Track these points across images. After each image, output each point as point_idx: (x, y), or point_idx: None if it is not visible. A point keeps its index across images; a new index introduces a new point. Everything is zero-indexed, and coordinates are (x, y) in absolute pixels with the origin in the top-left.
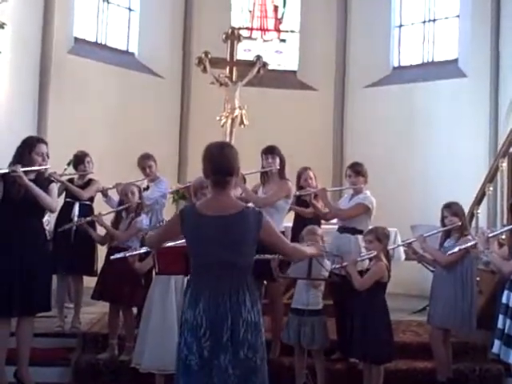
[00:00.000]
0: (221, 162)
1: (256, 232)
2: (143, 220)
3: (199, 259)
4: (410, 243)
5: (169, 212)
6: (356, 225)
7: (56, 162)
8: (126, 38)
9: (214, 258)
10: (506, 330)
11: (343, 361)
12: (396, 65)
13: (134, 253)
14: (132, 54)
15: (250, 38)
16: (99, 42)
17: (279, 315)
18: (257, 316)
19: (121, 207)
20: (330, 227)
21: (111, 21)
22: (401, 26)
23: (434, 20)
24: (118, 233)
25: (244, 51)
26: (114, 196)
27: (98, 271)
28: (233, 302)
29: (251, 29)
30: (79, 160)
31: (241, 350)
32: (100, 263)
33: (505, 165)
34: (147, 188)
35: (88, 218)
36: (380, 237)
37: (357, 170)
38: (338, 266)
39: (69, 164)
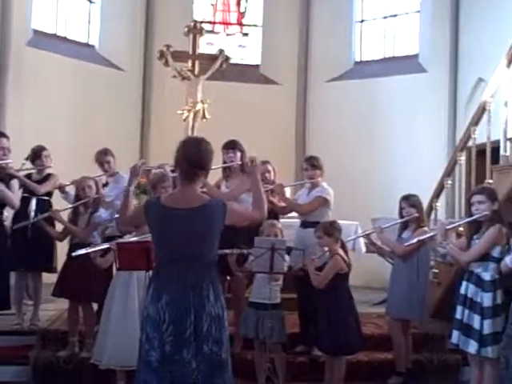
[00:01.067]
0: (196, 155)
1: (221, 223)
2: (102, 214)
3: (164, 252)
4: (368, 234)
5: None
6: (318, 218)
7: (14, 157)
8: (86, 30)
9: (178, 251)
10: (464, 320)
11: (306, 354)
12: (358, 60)
13: (96, 249)
14: (92, 46)
15: (212, 31)
16: (58, 34)
17: (241, 309)
18: (220, 310)
19: (78, 203)
20: (291, 221)
21: (71, 13)
22: (362, 21)
23: (395, 15)
24: (77, 230)
25: (206, 45)
26: (72, 192)
27: (58, 267)
28: (196, 296)
29: (214, 22)
30: (36, 154)
31: (205, 345)
32: (59, 259)
33: (463, 158)
34: (106, 184)
35: (44, 215)
36: (328, 231)
37: (313, 163)
38: (297, 268)
39: (27, 159)
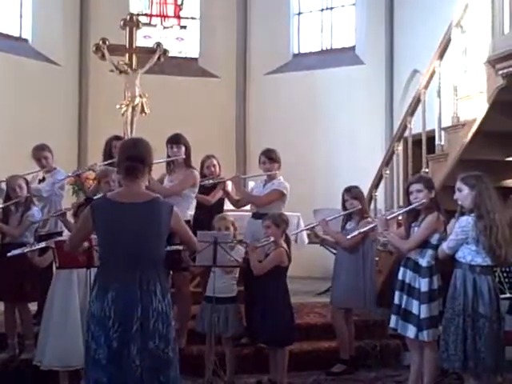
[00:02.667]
0: (133, 149)
1: (168, 222)
2: (35, 213)
3: (110, 248)
4: (313, 227)
5: (68, 203)
6: (271, 211)
7: None
8: (18, 23)
9: (125, 246)
10: (403, 306)
11: (251, 345)
12: (296, 52)
13: (33, 248)
14: (25, 40)
15: (149, 24)
16: None
17: (186, 304)
18: (167, 307)
19: (8, 203)
20: (242, 213)
21: (1, 5)
22: (300, 13)
23: (331, 8)
24: (9, 229)
25: (144, 38)
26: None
27: None
28: (143, 292)
29: (150, 15)
30: None
31: (150, 341)
32: None
33: (400, 148)
34: (43, 179)
35: None
36: (277, 222)
37: (271, 156)
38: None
39: None
